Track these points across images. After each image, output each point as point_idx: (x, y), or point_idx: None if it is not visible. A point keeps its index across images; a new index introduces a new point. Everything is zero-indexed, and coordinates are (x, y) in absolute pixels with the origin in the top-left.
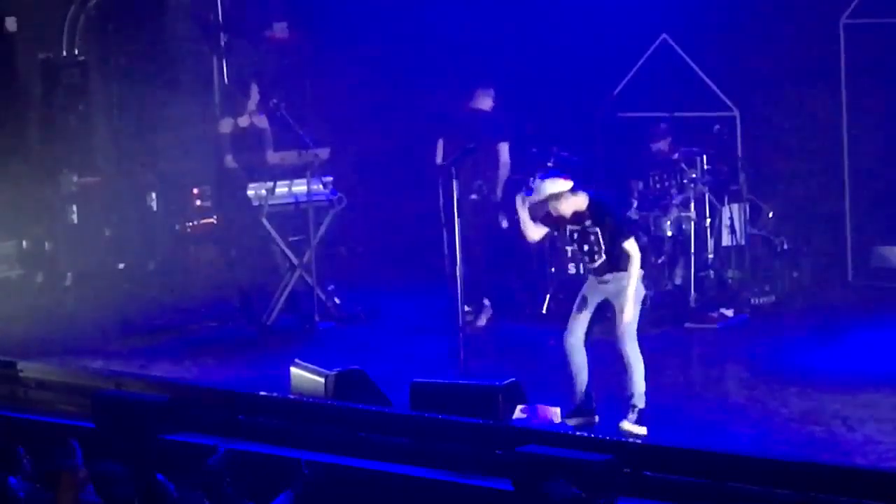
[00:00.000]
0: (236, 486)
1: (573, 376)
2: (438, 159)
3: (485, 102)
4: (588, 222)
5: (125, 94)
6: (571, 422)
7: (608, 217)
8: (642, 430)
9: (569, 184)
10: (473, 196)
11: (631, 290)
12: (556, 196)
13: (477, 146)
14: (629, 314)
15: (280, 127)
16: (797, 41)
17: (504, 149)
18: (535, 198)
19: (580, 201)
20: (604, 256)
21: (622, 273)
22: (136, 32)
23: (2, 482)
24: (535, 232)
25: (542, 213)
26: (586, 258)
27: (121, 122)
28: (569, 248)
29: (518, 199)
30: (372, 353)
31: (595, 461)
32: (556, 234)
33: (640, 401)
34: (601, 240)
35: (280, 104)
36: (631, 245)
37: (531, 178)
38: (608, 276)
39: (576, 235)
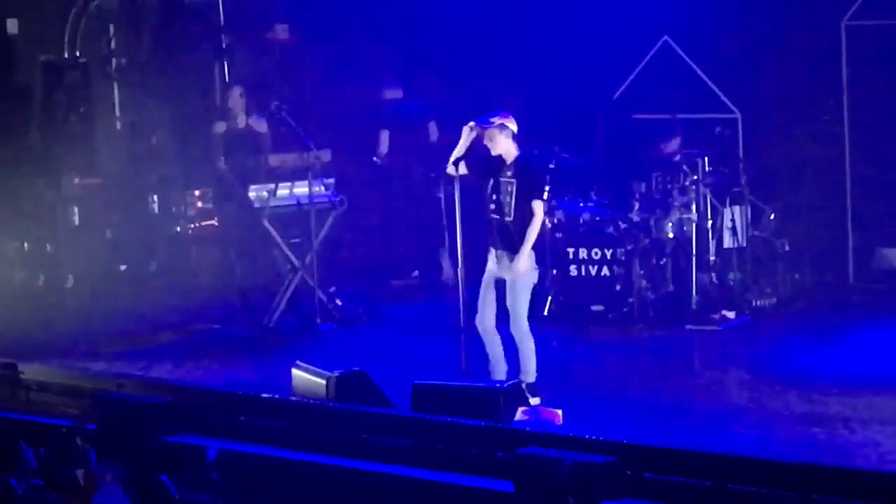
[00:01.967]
0: (236, 488)
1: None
2: (383, 149)
3: (397, 92)
4: (509, 173)
5: (126, 96)
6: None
7: (530, 175)
8: (534, 401)
9: (514, 127)
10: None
11: (524, 261)
12: (501, 128)
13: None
14: (519, 297)
15: (281, 129)
16: (799, 43)
17: (433, 127)
18: (477, 130)
19: (512, 149)
20: (512, 216)
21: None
22: (137, 34)
23: (3, 483)
24: (457, 161)
25: (478, 158)
26: (496, 211)
27: (122, 124)
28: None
29: (466, 128)
30: (373, 354)
31: (596, 463)
32: (477, 178)
33: (528, 377)
34: (514, 197)
35: (282, 106)
36: (538, 206)
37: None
38: (511, 255)
39: (498, 186)
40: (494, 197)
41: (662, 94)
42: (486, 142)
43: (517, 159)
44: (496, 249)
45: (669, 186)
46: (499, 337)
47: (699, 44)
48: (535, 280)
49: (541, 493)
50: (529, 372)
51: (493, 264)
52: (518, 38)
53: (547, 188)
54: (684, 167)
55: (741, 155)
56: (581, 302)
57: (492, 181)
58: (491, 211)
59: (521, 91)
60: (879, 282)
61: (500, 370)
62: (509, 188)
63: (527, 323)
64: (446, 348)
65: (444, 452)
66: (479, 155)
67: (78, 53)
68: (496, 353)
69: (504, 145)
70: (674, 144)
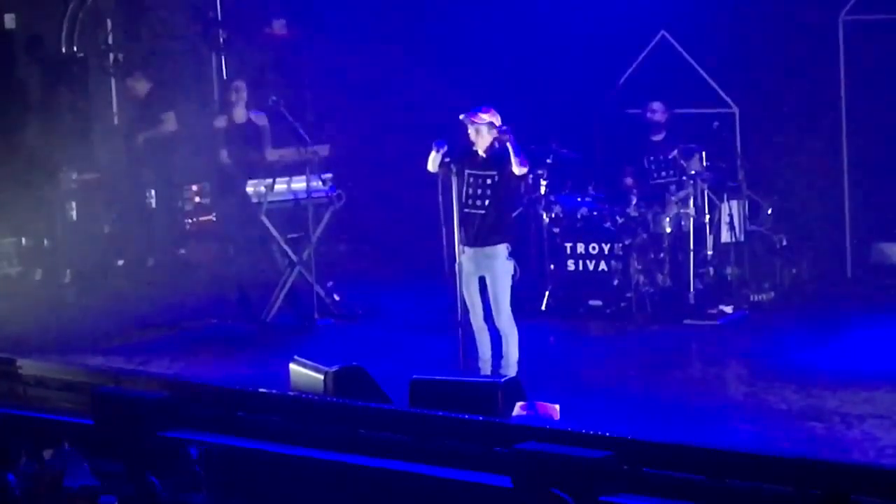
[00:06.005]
0: (233, 483)
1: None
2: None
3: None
4: (486, 166)
5: (124, 91)
6: None
7: (507, 158)
8: None
9: (497, 121)
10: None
11: (500, 263)
12: (491, 125)
13: None
14: (502, 291)
15: (279, 124)
16: (796, 37)
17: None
18: (470, 118)
19: (490, 142)
20: (487, 208)
21: (497, 247)
22: (134, 29)
23: (1, 479)
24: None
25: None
26: (473, 206)
27: (119, 119)
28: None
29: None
30: (371, 349)
31: (594, 458)
32: (455, 173)
33: (511, 370)
34: (492, 188)
35: (279, 101)
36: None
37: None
38: (487, 250)
39: (471, 179)
40: (471, 192)
41: (660, 89)
42: (472, 136)
43: (493, 152)
44: (470, 248)
45: (667, 181)
46: (489, 335)
47: (697, 38)
48: (513, 271)
49: (539, 489)
50: (512, 365)
51: (470, 265)
52: (515, 33)
53: (544, 182)
54: (682, 162)
55: (739, 150)
56: (579, 297)
57: (469, 177)
58: (468, 206)
59: (518, 86)
60: (877, 276)
61: (490, 367)
62: (487, 181)
63: (511, 314)
64: (444, 344)
65: (442, 448)
66: (457, 152)
67: (75, 48)
68: (487, 350)
69: (489, 141)
70: (660, 136)
